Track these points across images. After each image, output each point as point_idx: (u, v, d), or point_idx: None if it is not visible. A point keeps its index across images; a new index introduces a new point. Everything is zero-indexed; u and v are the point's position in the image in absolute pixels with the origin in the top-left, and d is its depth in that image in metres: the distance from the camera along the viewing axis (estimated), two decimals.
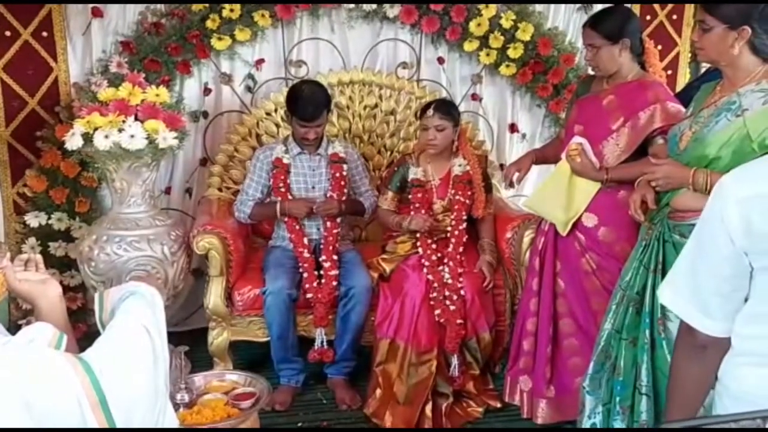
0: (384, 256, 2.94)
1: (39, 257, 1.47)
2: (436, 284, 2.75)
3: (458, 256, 2.84)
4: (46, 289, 1.36)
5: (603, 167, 2.35)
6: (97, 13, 3.13)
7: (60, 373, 1.00)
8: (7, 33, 3.05)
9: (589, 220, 2.41)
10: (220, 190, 3.29)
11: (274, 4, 3.19)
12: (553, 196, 2.46)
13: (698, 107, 1.88)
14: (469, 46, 3.42)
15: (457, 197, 2.91)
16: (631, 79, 2.36)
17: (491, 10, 3.35)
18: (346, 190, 2.94)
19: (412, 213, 2.87)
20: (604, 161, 2.35)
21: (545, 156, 2.78)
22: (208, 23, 3.16)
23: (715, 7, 1.77)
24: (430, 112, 2.83)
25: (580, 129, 2.43)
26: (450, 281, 2.76)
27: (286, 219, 2.87)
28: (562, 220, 2.43)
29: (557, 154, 2.57)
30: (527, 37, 3.39)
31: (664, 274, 1.85)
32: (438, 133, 2.84)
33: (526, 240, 2.87)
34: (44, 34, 3.10)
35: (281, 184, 2.88)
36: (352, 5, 3.28)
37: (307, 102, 2.79)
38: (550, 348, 2.53)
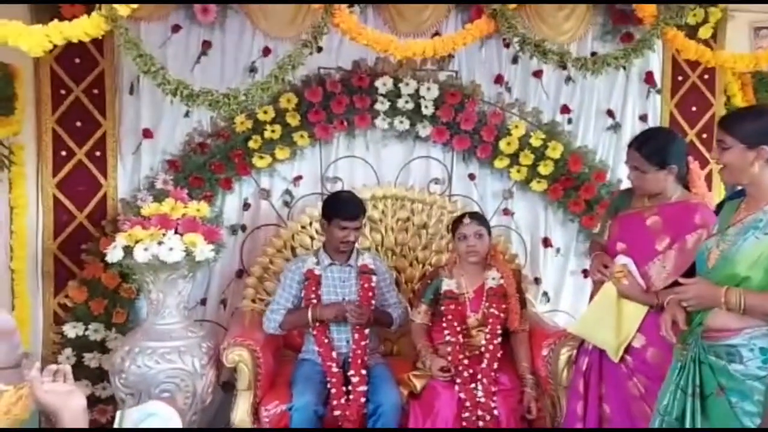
0: (415, 372, 2.87)
1: (68, 368, 1.49)
2: (468, 403, 2.66)
3: (492, 374, 2.76)
4: (70, 401, 1.37)
5: (651, 290, 2.29)
6: (147, 134, 3.35)
7: None
8: (63, 153, 3.28)
9: (637, 341, 2.31)
10: (254, 301, 3.32)
11: (313, 126, 3.37)
12: (602, 320, 2.37)
13: (724, 225, 1.87)
14: (500, 163, 3.51)
15: (492, 311, 2.87)
16: (675, 200, 2.33)
17: (520, 129, 3.47)
18: (374, 302, 2.93)
19: (439, 342, 2.85)
20: (650, 283, 2.30)
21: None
22: (251, 143, 3.35)
23: (733, 126, 1.81)
24: (467, 220, 2.89)
25: (623, 247, 2.38)
26: (483, 400, 2.67)
27: (315, 331, 2.85)
28: (613, 346, 2.34)
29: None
30: (557, 155, 3.47)
31: (702, 397, 1.76)
32: (477, 240, 2.87)
33: (563, 358, 2.79)
34: (97, 153, 3.32)
35: (312, 295, 2.90)
36: (386, 125, 3.43)
37: (349, 202, 2.92)
38: None
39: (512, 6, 2.78)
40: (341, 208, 2.89)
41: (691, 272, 2.15)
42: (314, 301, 2.89)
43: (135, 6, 2.32)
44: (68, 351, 3.24)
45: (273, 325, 2.93)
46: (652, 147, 2.31)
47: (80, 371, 3.22)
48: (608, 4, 3.45)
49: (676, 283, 2.13)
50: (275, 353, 3.03)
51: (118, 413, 1.39)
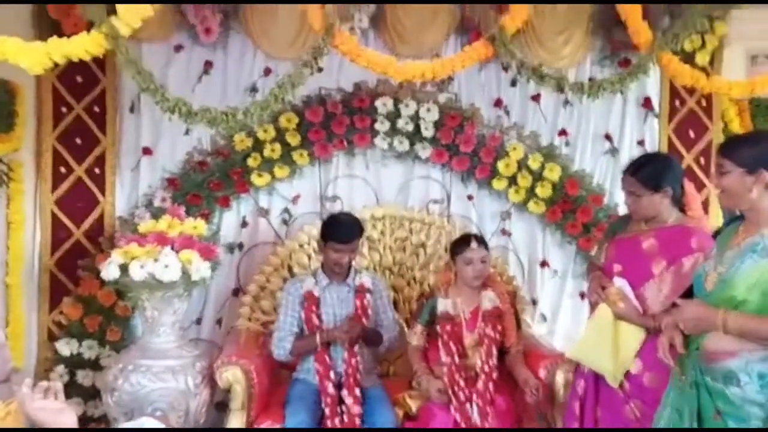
0: (411, 392, 2.85)
1: (59, 386, 1.48)
2: (463, 424, 2.63)
3: (488, 395, 2.74)
4: (60, 419, 1.36)
5: (647, 313, 2.28)
6: (147, 152, 3.36)
7: None
8: (62, 169, 3.30)
9: (634, 366, 2.30)
10: (249, 320, 3.31)
11: (313, 145, 3.38)
12: (599, 344, 2.35)
13: (722, 248, 1.87)
14: (498, 184, 3.52)
15: (488, 331, 2.86)
16: (672, 223, 2.34)
17: (518, 151, 3.49)
18: (365, 320, 2.91)
19: (435, 367, 2.83)
20: (647, 305, 2.29)
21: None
22: (250, 161, 3.36)
23: (732, 152, 1.82)
24: (474, 245, 2.89)
25: (619, 270, 2.38)
26: (478, 421, 2.64)
27: (320, 349, 2.84)
28: (611, 371, 2.32)
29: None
30: (555, 178, 3.49)
31: (699, 421, 1.75)
32: (482, 265, 2.89)
33: (559, 380, 2.77)
34: (96, 170, 3.34)
35: (314, 316, 2.89)
36: (386, 146, 3.45)
37: (344, 225, 2.91)
38: None
39: (511, 31, 2.81)
40: (336, 231, 2.89)
41: (687, 296, 2.15)
42: (317, 322, 2.88)
43: (135, 24, 2.34)
44: (61, 368, 3.22)
45: (283, 353, 2.90)
46: (648, 171, 2.33)
47: (73, 389, 3.19)
48: (605, 30, 3.49)
49: (673, 307, 2.15)
50: (269, 373, 3.01)
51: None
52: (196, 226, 2.88)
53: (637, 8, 2.90)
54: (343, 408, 2.72)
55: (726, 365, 1.77)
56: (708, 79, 3.14)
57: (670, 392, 1.92)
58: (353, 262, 3.00)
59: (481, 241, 2.96)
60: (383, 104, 3.39)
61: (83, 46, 2.33)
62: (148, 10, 2.34)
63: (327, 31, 2.58)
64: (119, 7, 2.35)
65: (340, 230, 2.89)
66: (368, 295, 2.94)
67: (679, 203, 2.39)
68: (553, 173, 3.48)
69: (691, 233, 2.29)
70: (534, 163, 3.48)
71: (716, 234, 2.61)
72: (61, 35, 2.52)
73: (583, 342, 2.49)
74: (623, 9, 2.91)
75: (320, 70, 3.02)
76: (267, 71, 3.39)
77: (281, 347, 2.89)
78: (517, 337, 2.93)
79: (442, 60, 2.96)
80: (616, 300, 2.32)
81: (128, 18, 2.33)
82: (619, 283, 2.34)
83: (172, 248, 2.75)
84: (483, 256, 2.90)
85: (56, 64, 2.39)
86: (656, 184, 2.30)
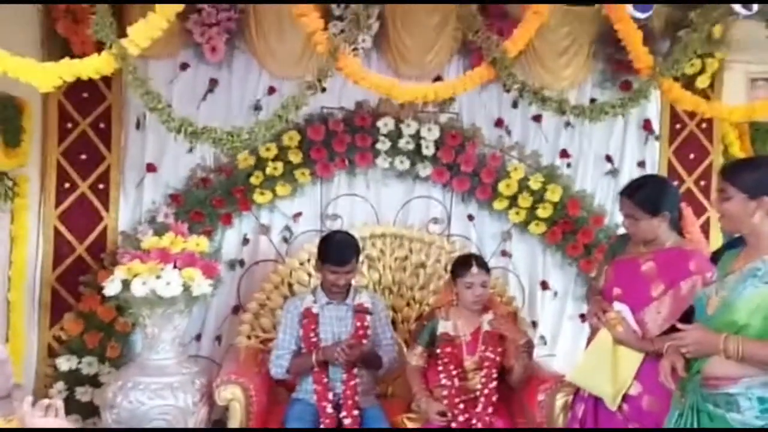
0: (410, 414, 2.84)
1: (60, 403, 1.49)
2: None
3: (487, 417, 2.73)
4: None
5: (646, 336, 2.28)
6: (151, 168, 3.38)
7: None
8: (66, 185, 3.32)
9: (633, 389, 2.30)
10: (249, 338, 3.30)
11: (315, 164, 3.40)
12: (598, 368, 2.35)
13: (723, 272, 1.88)
14: (499, 204, 3.53)
15: (488, 354, 2.85)
16: (670, 246, 2.34)
17: (519, 172, 3.50)
18: (365, 341, 2.90)
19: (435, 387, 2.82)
20: (646, 329, 2.29)
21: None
22: (252, 179, 3.38)
23: (734, 176, 1.84)
24: (475, 269, 2.85)
25: (618, 293, 2.39)
26: None
27: (316, 369, 2.83)
28: (610, 394, 2.32)
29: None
30: (556, 198, 3.50)
31: None
32: (483, 289, 2.87)
33: (559, 404, 2.77)
34: (100, 186, 3.35)
35: (312, 334, 2.89)
36: (387, 165, 3.47)
37: (338, 247, 2.87)
38: None
39: (513, 54, 2.84)
40: (330, 254, 2.87)
41: (686, 318, 2.15)
42: (314, 340, 2.88)
43: (144, 45, 2.38)
44: (60, 384, 3.21)
45: (281, 371, 2.89)
46: (644, 194, 2.34)
47: (71, 405, 3.18)
48: (607, 52, 3.53)
49: (671, 330, 2.14)
50: (268, 392, 3.00)
51: None
52: (198, 243, 2.89)
53: (638, 33, 2.94)
54: (342, 429, 2.71)
55: (727, 390, 1.77)
56: (708, 104, 3.17)
57: (673, 416, 1.92)
58: (353, 281, 3.00)
59: (483, 264, 2.92)
60: (384, 124, 3.42)
61: (93, 66, 2.37)
62: (156, 30, 2.37)
63: (331, 53, 2.61)
64: (130, 29, 2.38)
65: (335, 253, 2.86)
66: (368, 316, 2.93)
67: (677, 227, 2.40)
68: (554, 194, 3.50)
69: (690, 256, 2.29)
70: (535, 183, 3.50)
71: (715, 256, 2.64)
72: (69, 52, 2.56)
73: (583, 366, 2.49)
74: (623, 33, 2.94)
75: (323, 90, 3.03)
76: (271, 90, 3.42)
77: (278, 365, 2.89)
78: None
79: (444, 83, 3.00)
80: (615, 324, 2.32)
81: (137, 38, 2.37)
82: (619, 307, 2.34)
83: (175, 266, 2.76)
84: (484, 280, 2.87)
85: (64, 81, 2.42)
86: (654, 209, 2.31)
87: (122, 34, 2.45)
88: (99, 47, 2.49)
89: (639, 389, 2.29)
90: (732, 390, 1.77)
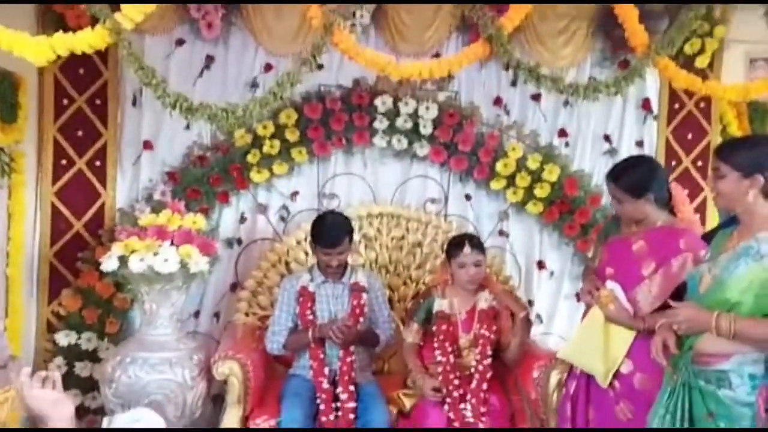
0: (405, 390, 2.87)
1: (57, 375, 1.50)
2: (456, 423, 2.65)
3: (481, 394, 2.76)
4: (58, 408, 1.38)
5: (638, 315, 2.29)
6: (148, 146, 3.38)
7: None
8: (63, 161, 3.31)
9: (625, 366, 2.32)
10: (246, 315, 3.33)
11: (312, 143, 3.40)
12: (590, 345, 2.37)
13: (716, 251, 1.89)
14: (496, 184, 3.53)
15: (483, 332, 2.87)
16: (661, 224, 2.34)
17: (518, 151, 3.50)
18: (362, 319, 2.92)
19: (430, 365, 2.84)
20: (638, 307, 2.30)
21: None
22: (249, 157, 3.37)
23: (729, 155, 1.84)
24: (467, 249, 2.86)
25: (611, 272, 2.40)
26: (472, 420, 2.66)
27: (313, 345, 2.85)
28: (601, 371, 2.34)
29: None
30: (553, 178, 3.50)
31: (691, 422, 1.77)
32: (476, 269, 2.87)
33: (553, 381, 2.79)
34: (97, 163, 3.34)
35: (308, 312, 2.91)
36: (384, 144, 3.46)
37: (329, 229, 2.88)
38: None
39: (508, 31, 2.82)
40: (322, 235, 2.87)
41: (678, 296, 2.17)
42: (310, 317, 2.90)
43: (138, 19, 2.36)
44: (59, 359, 3.24)
45: (277, 346, 2.92)
46: (628, 178, 2.33)
47: (71, 380, 3.21)
48: (606, 31, 3.50)
49: (663, 307, 2.16)
50: (266, 368, 3.03)
51: (105, 419, 1.40)
52: (195, 220, 2.90)
53: (634, 11, 2.92)
54: (338, 404, 2.74)
55: (719, 367, 1.79)
56: (703, 83, 3.16)
57: (665, 393, 1.94)
58: (349, 260, 3.01)
59: (476, 244, 2.92)
60: (382, 102, 3.40)
61: (87, 40, 2.36)
62: (150, 5, 2.36)
63: (326, 28, 2.59)
64: (123, 6, 2.36)
65: (326, 234, 2.87)
66: (364, 294, 2.95)
67: (667, 205, 2.40)
68: (551, 174, 3.49)
69: (680, 234, 2.30)
70: (533, 163, 3.50)
71: (708, 235, 2.66)
72: (64, 27, 2.53)
73: (575, 343, 2.51)
74: (621, 11, 2.92)
75: (320, 67, 3.03)
76: (268, 67, 3.40)
77: (275, 341, 2.92)
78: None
79: (440, 60, 2.97)
80: (606, 302, 2.33)
81: (131, 13, 2.35)
82: (611, 285, 2.36)
83: (172, 243, 2.76)
84: (477, 260, 2.87)
85: (59, 57, 2.40)
86: (637, 191, 2.31)
87: (118, 9, 2.43)
88: (94, 22, 2.47)
89: (630, 367, 2.31)
90: (723, 367, 1.79)
